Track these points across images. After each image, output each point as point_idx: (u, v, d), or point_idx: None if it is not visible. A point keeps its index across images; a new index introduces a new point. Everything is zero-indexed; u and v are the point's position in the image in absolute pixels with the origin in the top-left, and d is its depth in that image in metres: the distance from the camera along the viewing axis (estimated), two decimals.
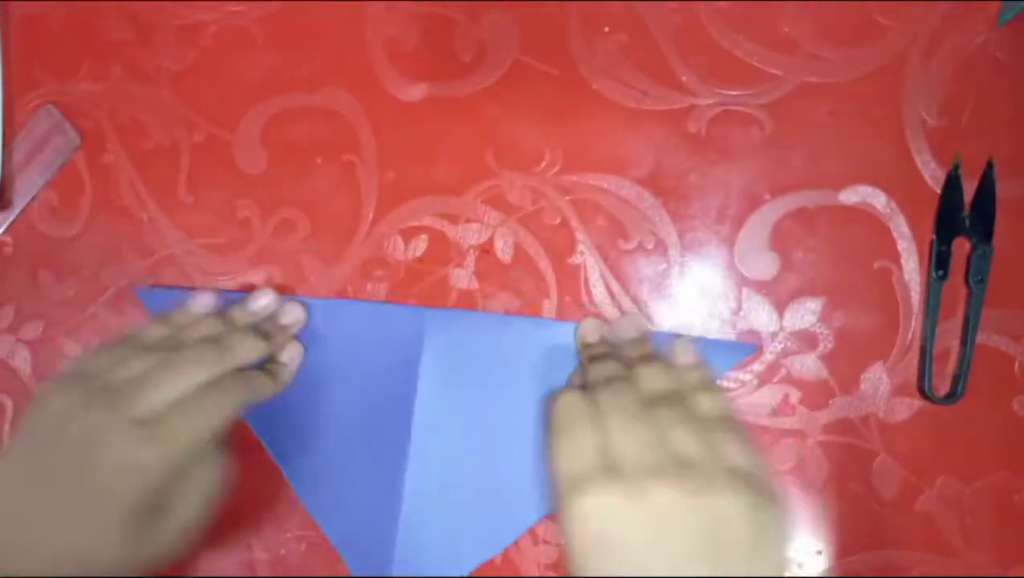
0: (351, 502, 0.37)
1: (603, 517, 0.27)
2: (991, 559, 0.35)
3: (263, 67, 0.39)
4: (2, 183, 0.40)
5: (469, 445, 0.37)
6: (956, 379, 0.35)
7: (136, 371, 0.31)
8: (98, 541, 0.29)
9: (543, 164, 0.37)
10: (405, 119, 0.38)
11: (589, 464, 0.28)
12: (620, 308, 0.37)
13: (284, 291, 0.39)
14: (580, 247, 0.37)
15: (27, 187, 0.41)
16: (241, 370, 0.33)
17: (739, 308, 0.36)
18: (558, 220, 0.37)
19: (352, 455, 0.37)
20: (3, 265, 0.41)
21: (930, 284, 0.35)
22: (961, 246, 0.35)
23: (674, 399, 0.30)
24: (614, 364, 0.32)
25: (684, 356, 0.32)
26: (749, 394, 0.36)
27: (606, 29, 0.37)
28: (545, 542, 0.37)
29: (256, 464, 0.38)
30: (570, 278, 0.37)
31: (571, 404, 0.30)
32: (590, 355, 0.34)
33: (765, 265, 0.36)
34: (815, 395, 0.36)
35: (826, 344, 0.36)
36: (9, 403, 0.41)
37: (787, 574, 0.27)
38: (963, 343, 0.35)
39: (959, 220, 0.35)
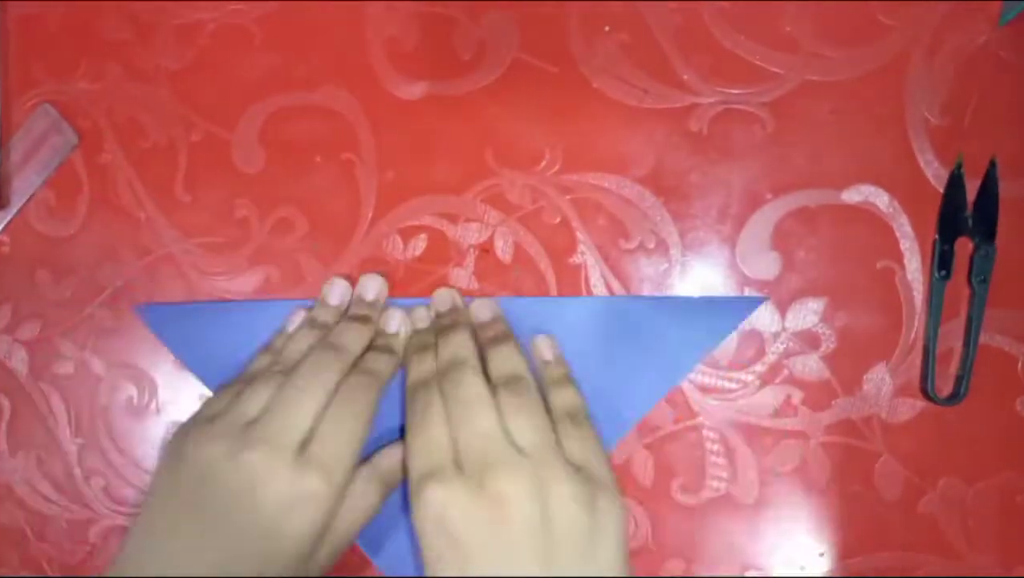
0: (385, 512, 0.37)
1: (445, 509, 0.27)
2: (994, 560, 0.35)
3: (262, 66, 0.39)
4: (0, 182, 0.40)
5: None
6: (959, 380, 0.35)
7: (263, 401, 0.30)
8: (284, 572, 0.28)
9: (543, 163, 0.37)
10: (404, 118, 0.38)
11: (437, 459, 0.28)
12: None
13: (283, 291, 0.38)
14: (581, 247, 0.37)
15: (24, 186, 0.40)
16: (358, 363, 0.33)
17: None
18: (558, 219, 0.37)
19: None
20: (0, 265, 0.41)
21: (933, 284, 0.35)
22: (964, 246, 0.35)
23: (519, 386, 0.30)
24: (463, 340, 0.32)
25: (545, 352, 0.33)
26: (751, 395, 0.36)
27: (606, 28, 0.37)
28: None
29: None
30: (570, 278, 0.37)
31: (423, 396, 0.31)
32: (441, 325, 0.34)
33: (767, 265, 0.36)
34: (817, 396, 0.36)
35: (828, 344, 0.35)
36: (7, 404, 0.41)
37: (625, 574, 0.27)
38: (966, 343, 0.34)
39: (962, 220, 0.35)
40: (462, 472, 0.28)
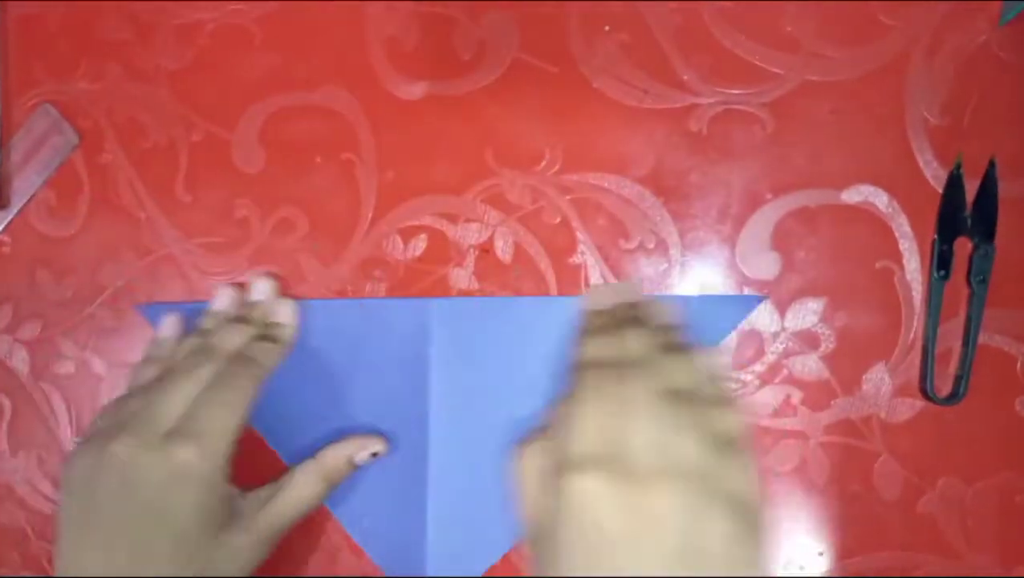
0: (377, 504, 0.37)
1: (597, 503, 0.27)
2: (993, 560, 0.35)
3: (262, 66, 0.39)
4: (0, 182, 0.40)
5: (489, 431, 0.36)
6: (958, 380, 0.35)
7: (140, 404, 0.32)
8: (181, 557, 0.29)
9: (543, 163, 0.37)
10: (404, 118, 0.38)
11: (599, 448, 0.28)
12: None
13: (284, 291, 0.38)
14: (580, 247, 0.37)
15: (25, 186, 0.40)
16: (240, 355, 0.34)
17: None
18: (558, 219, 0.37)
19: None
20: (1, 265, 0.41)
21: (932, 284, 0.35)
22: (963, 246, 0.35)
23: (693, 401, 0.29)
24: (647, 340, 0.31)
25: (714, 365, 0.32)
26: (751, 395, 0.36)
27: (606, 28, 0.37)
28: None
29: (254, 465, 0.38)
30: (570, 278, 0.37)
31: (598, 380, 0.30)
32: (625, 315, 0.33)
33: (767, 265, 0.36)
34: (817, 396, 0.36)
35: (828, 344, 0.36)
36: (8, 403, 0.41)
37: None
38: (965, 343, 0.35)
39: (961, 220, 0.35)
40: (621, 473, 0.27)
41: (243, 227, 0.39)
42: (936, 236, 0.35)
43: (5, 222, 0.41)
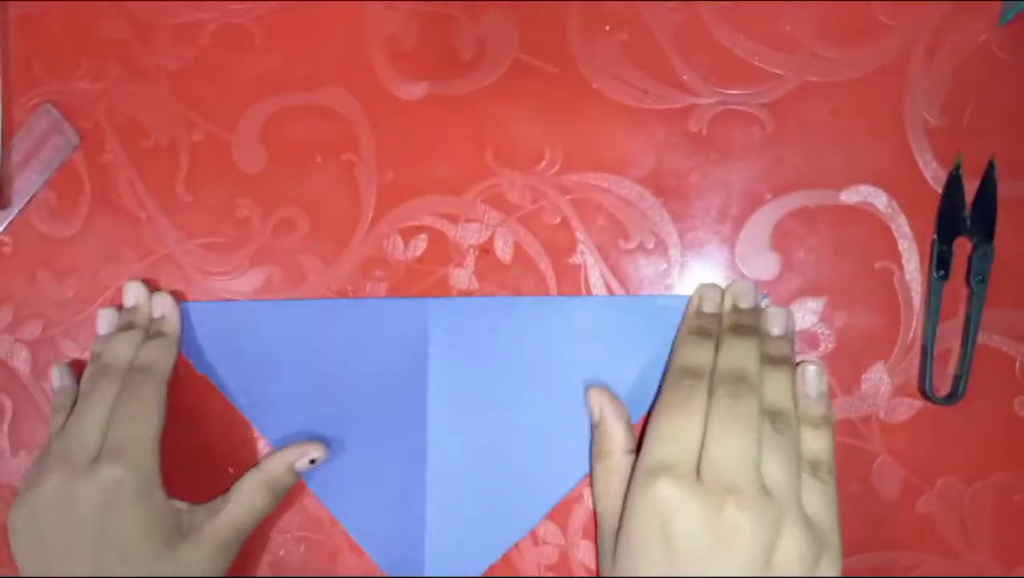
0: (376, 503, 0.37)
1: (674, 510, 0.27)
2: (992, 559, 0.35)
3: (262, 66, 0.39)
4: (0, 182, 0.40)
5: (487, 431, 0.37)
6: (957, 379, 0.35)
7: (59, 443, 0.33)
8: (136, 575, 0.31)
9: (543, 163, 0.37)
10: (405, 118, 0.38)
11: (682, 456, 0.28)
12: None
13: (285, 291, 0.39)
14: (580, 247, 0.37)
15: (26, 186, 0.40)
16: (134, 365, 0.35)
17: None
18: (558, 220, 0.37)
19: (370, 456, 0.37)
20: (2, 265, 0.41)
21: (931, 284, 0.35)
22: (962, 246, 0.35)
23: (788, 421, 0.29)
24: (752, 351, 0.31)
25: (810, 386, 0.31)
26: None
27: (607, 28, 0.37)
28: (545, 543, 0.37)
29: (250, 464, 0.38)
30: (570, 278, 0.37)
31: (691, 390, 0.30)
32: (733, 321, 0.33)
33: (766, 265, 0.36)
34: None
35: (827, 344, 0.36)
36: (8, 403, 0.41)
37: None
38: (964, 343, 0.35)
39: (960, 220, 0.35)
40: (701, 482, 0.27)
41: (244, 227, 0.39)
42: (935, 236, 0.35)
43: (6, 222, 0.41)
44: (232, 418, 0.38)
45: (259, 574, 0.39)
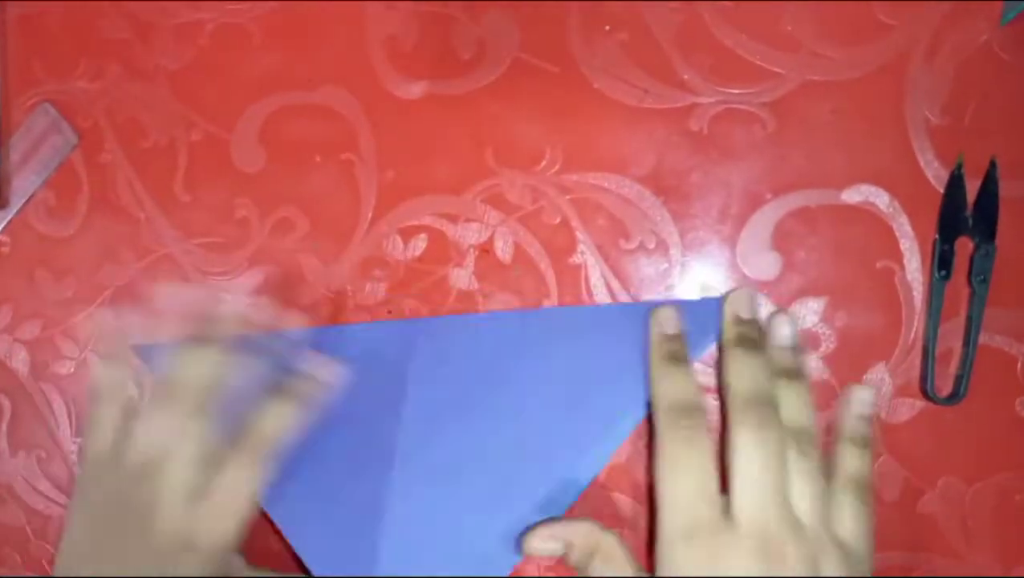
0: (330, 526, 0.36)
1: (717, 569, 0.26)
2: (993, 560, 0.35)
3: (261, 65, 0.39)
4: None
5: (461, 450, 0.35)
6: (959, 380, 0.35)
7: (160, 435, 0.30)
8: None
9: (543, 163, 0.37)
10: (404, 117, 0.38)
11: (705, 513, 0.27)
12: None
13: (285, 291, 0.38)
14: (580, 247, 0.37)
15: (24, 186, 0.40)
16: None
17: None
18: (558, 219, 0.37)
19: (331, 475, 0.36)
20: (0, 265, 0.41)
21: (933, 284, 0.35)
22: (964, 246, 0.35)
23: (808, 444, 0.28)
24: (765, 370, 0.29)
25: (857, 405, 0.30)
26: None
27: (607, 27, 0.37)
28: None
29: None
30: (570, 278, 0.37)
31: (690, 432, 0.28)
32: (737, 333, 0.31)
33: (767, 265, 0.36)
34: (817, 396, 0.36)
35: (828, 344, 0.36)
36: (7, 404, 0.41)
37: None
38: (966, 343, 0.34)
39: (962, 220, 0.35)
40: (735, 528, 0.26)
41: (243, 227, 0.39)
42: (937, 236, 0.35)
43: (4, 222, 0.41)
44: None
45: (259, 573, 0.39)
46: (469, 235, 0.37)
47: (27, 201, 0.40)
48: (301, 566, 0.37)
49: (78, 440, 0.40)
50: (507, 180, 0.37)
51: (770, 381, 0.30)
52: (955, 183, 0.35)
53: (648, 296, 0.36)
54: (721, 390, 0.30)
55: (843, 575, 0.26)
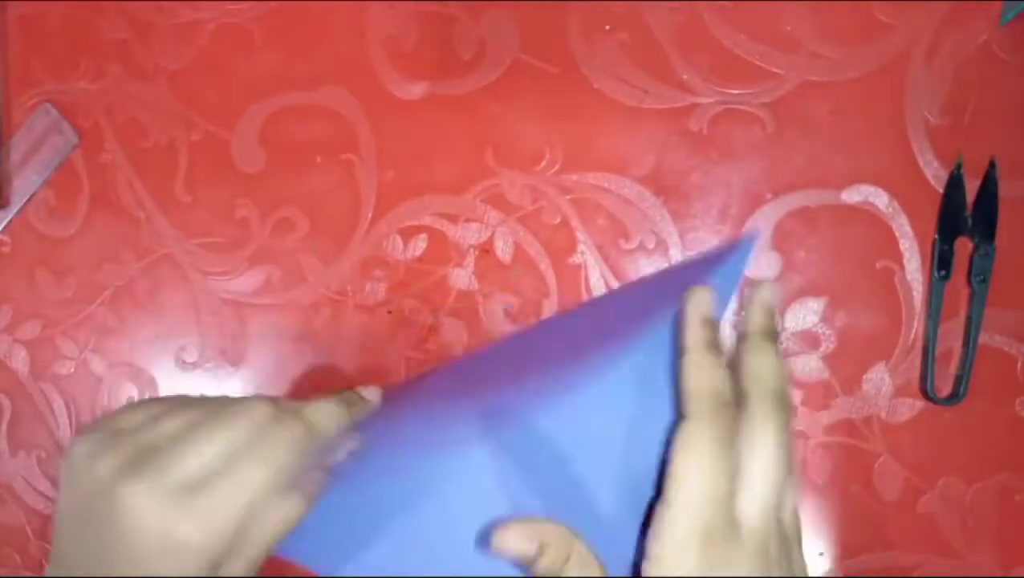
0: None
1: (722, 569, 0.25)
2: (993, 559, 0.35)
3: (261, 66, 0.39)
4: (0, 182, 0.40)
5: None
6: (958, 380, 0.35)
7: (175, 429, 0.28)
8: None
9: (543, 163, 0.37)
10: (405, 118, 0.38)
11: (722, 517, 0.25)
12: None
13: (284, 290, 0.38)
14: (580, 247, 0.37)
15: (25, 186, 0.40)
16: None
17: (740, 308, 0.36)
18: (558, 219, 0.37)
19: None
20: (1, 265, 0.41)
21: (932, 284, 0.35)
22: (963, 246, 0.35)
23: (792, 458, 0.27)
24: (779, 368, 0.27)
25: (761, 301, 0.27)
26: None
27: (607, 28, 0.37)
28: None
29: None
30: (570, 278, 0.37)
31: (725, 427, 0.25)
32: (762, 328, 0.27)
33: (767, 265, 0.36)
34: (817, 396, 0.36)
35: (828, 344, 0.36)
36: (7, 403, 0.41)
37: None
38: (965, 343, 0.34)
39: (961, 220, 0.35)
40: (740, 533, 0.25)
41: (243, 227, 0.39)
42: (937, 236, 0.35)
43: (5, 222, 0.41)
44: None
45: (259, 574, 0.39)
46: (469, 235, 0.37)
47: (27, 201, 0.40)
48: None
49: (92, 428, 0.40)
50: (507, 180, 0.37)
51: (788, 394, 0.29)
52: (954, 183, 0.35)
53: None
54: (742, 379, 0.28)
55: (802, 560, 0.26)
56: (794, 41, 0.36)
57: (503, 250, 0.37)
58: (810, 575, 0.26)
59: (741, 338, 0.28)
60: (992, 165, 0.34)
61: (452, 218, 0.38)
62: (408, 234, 0.38)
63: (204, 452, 0.27)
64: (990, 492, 0.35)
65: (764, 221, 0.36)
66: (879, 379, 0.35)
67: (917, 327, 0.35)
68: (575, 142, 0.37)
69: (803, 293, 0.36)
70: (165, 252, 0.39)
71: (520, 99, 0.37)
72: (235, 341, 0.39)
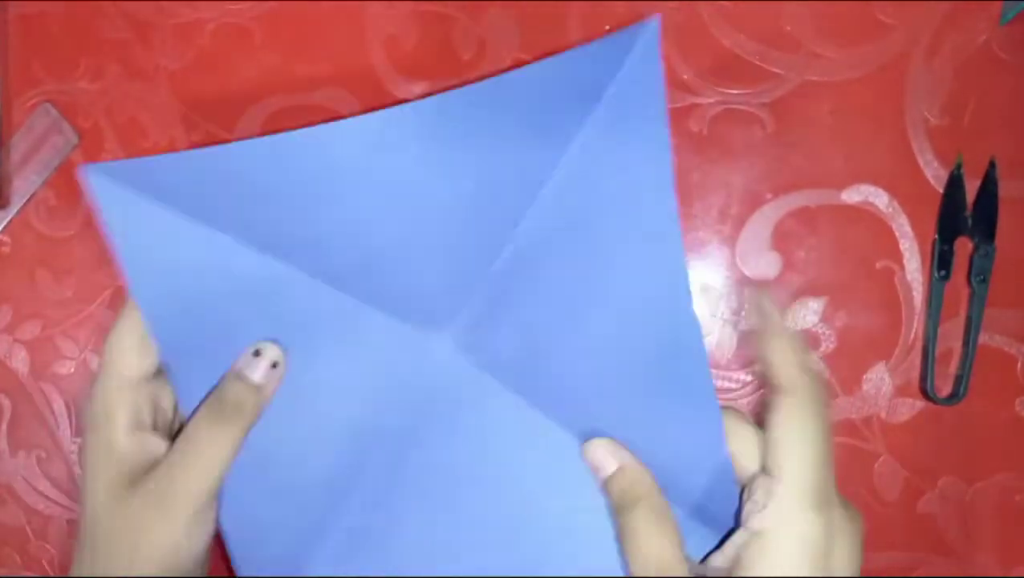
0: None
1: (827, 540, 0.26)
2: (993, 559, 0.35)
3: (261, 65, 0.39)
4: (0, 182, 0.40)
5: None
6: (958, 380, 0.35)
7: None
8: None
9: None
10: None
11: (832, 483, 0.26)
12: None
13: None
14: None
15: (25, 186, 0.40)
16: None
17: (740, 308, 0.36)
18: None
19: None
20: (1, 265, 0.41)
21: (932, 284, 0.35)
22: (963, 246, 0.35)
23: None
24: None
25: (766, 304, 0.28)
26: (750, 395, 0.36)
27: (607, 27, 0.37)
28: None
29: None
30: None
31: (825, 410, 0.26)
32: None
33: (767, 265, 0.36)
34: None
35: (828, 344, 0.36)
36: (7, 404, 0.41)
37: None
38: (965, 343, 0.35)
39: (961, 220, 0.35)
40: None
41: None
42: (936, 236, 0.35)
43: (5, 222, 0.41)
44: None
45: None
46: None
47: (28, 201, 0.40)
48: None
49: (78, 440, 0.40)
50: None
51: None
52: (954, 183, 0.35)
53: None
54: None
55: None
56: (794, 41, 0.36)
57: None
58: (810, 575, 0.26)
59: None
60: (992, 165, 0.34)
61: None
62: None
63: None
64: (990, 492, 0.35)
65: (764, 221, 0.36)
66: (879, 379, 0.35)
67: (917, 327, 0.35)
68: None
69: (803, 293, 0.36)
70: None
71: None
72: None
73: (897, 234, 0.35)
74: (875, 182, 0.35)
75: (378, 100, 0.38)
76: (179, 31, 0.40)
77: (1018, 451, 0.35)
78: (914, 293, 0.35)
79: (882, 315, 0.35)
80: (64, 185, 0.40)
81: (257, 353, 0.28)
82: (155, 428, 0.28)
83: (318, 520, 0.30)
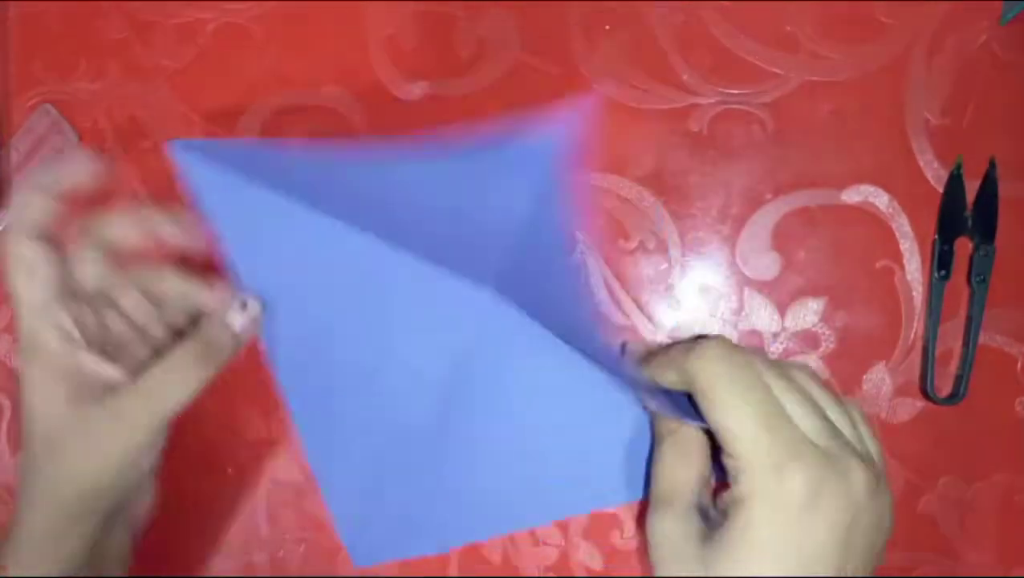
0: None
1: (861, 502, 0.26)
2: (993, 559, 0.35)
3: (261, 65, 0.39)
4: (0, 182, 0.40)
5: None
6: (958, 380, 0.35)
7: None
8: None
9: None
10: (404, 117, 0.38)
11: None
12: (621, 309, 0.36)
13: None
14: (580, 247, 0.37)
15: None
16: None
17: (740, 308, 0.36)
18: None
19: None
20: (0, 265, 0.41)
21: (932, 284, 0.35)
22: (963, 246, 0.35)
23: None
24: None
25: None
26: None
27: (607, 27, 0.37)
28: (545, 543, 0.37)
29: (250, 464, 0.38)
30: None
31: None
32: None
33: (767, 265, 0.36)
34: None
35: (828, 344, 0.36)
36: (7, 403, 0.41)
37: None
38: (965, 343, 0.35)
39: (961, 220, 0.35)
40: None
41: None
42: (936, 236, 0.35)
43: (5, 222, 0.41)
44: (231, 415, 0.38)
45: (258, 574, 0.39)
46: None
47: None
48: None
49: None
50: None
51: None
52: (954, 183, 0.35)
53: (648, 297, 0.36)
54: None
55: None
56: (794, 41, 0.36)
57: None
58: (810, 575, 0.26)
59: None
60: (992, 165, 0.34)
61: None
62: None
63: None
64: (990, 492, 0.35)
65: (764, 221, 0.36)
66: (879, 379, 0.35)
67: (917, 327, 0.35)
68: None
69: (803, 293, 0.36)
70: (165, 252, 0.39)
71: (520, 99, 0.37)
72: None
73: (897, 234, 0.35)
74: (875, 182, 0.35)
75: (378, 100, 0.38)
76: (179, 31, 0.40)
77: (1018, 451, 0.35)
78: (914, 293, 0.35)
79: (882, 315, 0.35)
80: None
81: (243, 306, 0.31)
82: (102, 349, 0.30)
83: (396, 460, 0.35)
